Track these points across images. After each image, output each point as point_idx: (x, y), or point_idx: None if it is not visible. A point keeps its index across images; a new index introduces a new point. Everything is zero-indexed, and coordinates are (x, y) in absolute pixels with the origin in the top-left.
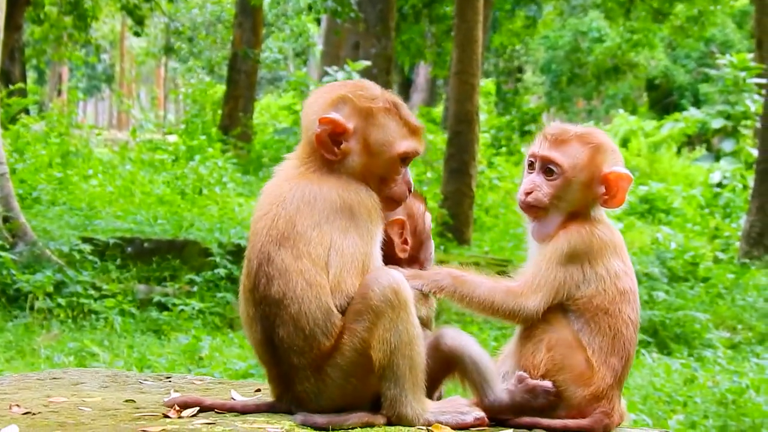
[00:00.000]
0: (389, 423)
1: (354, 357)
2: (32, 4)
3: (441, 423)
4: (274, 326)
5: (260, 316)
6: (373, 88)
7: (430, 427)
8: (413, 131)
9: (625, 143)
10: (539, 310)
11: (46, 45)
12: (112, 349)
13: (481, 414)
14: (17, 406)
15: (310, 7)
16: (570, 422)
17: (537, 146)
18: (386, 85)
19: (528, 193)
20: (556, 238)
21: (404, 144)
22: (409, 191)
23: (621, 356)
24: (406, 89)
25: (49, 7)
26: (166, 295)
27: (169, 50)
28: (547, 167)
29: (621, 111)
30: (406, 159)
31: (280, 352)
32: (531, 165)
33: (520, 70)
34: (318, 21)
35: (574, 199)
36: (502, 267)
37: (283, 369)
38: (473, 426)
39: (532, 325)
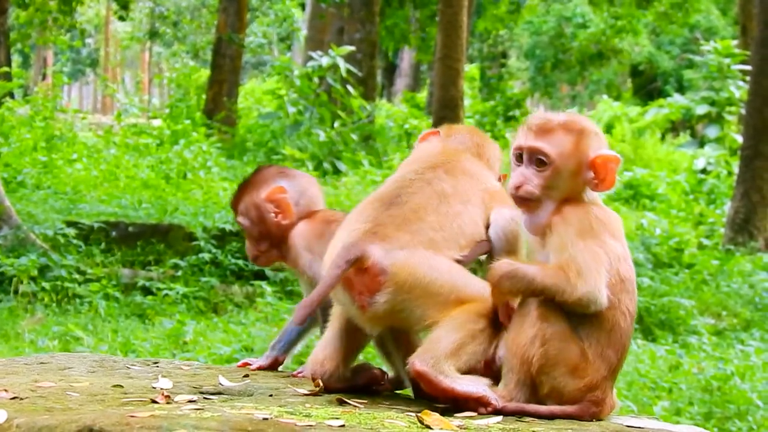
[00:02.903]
0: None
1: None
2: None
3: None
4: None
5: None
6: None
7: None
8: None
9: (609, 129)
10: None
11: (31, 29)
12: (96, 333)
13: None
14: (5, 391)
15: None
16: (556, 409)
17: (522, 138)
18: (370, 70)
19: (519, 187)
20: (555, 226)
21: None
22: None
23: (617, 348)
24: (390, 74)
25: None
26: (151, 279)
27: (153, 35)
28: (535, 158)
29: (605, 97)
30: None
31: None
32: (518, 158)
33: (504, 55)
34: (302, 6)
35: (565, 187)
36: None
37: None
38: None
39: (527, 317)
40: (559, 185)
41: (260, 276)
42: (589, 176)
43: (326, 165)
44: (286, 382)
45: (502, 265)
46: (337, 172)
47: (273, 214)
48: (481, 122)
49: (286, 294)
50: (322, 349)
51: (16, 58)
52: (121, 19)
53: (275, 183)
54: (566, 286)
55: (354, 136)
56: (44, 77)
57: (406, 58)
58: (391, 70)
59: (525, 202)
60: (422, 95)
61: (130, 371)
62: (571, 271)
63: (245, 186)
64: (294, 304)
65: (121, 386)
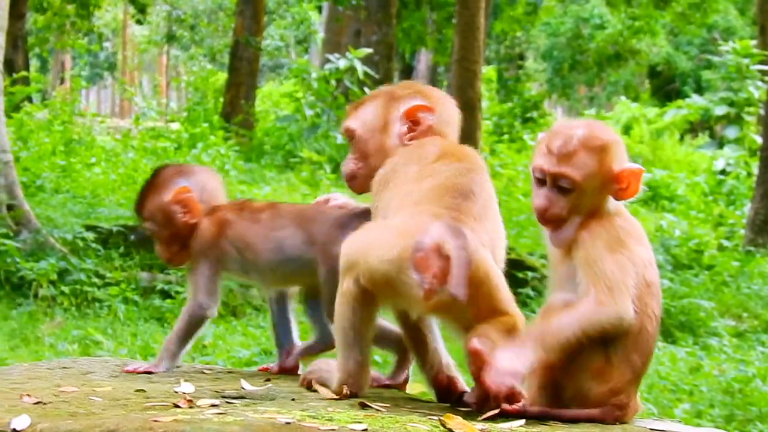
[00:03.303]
0: None
1: None
2: None
3: None
4: None
5: None
6: None
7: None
8: None
9: (627, 130)
10: (630, 307)
11: (49, 33)
12: (115, 337)
13: None
14: (28, 396)
15: None
16: (581, 413)
17: (543, 161)
18: (387, 72)
19: (545, 210)
20: (582, 241)
21: None
22: None
23: (643, 353)
24: (407, 76)
25: None
26: (169, 282)
27: (171, 38)
28: (559, 183)
29: (623, 98)
30: None
31: None
32: (541, 180)
33: (521, 56)
34: (319, 8)
35: (590, 204)
36: (506, 254)
37: None
38: None
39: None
40: (585, 203)
41: None
42: (614, 188)
43: None
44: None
45: (529, 334)
46: None
47: (181, 215)
48: (499, 124)
49: None
50: (353, 359)
51: (34, 63)
52: (139, 22)
53: (178, 183)
54: (599, 313)
55: None
56: (62, 81)
57: (423, 60)
58: (408, 72)
59: (552, 223)
60: None
61: (152, 376)
62: (600, 289)
63: (147, 190)
64: None
65: (144, 391)
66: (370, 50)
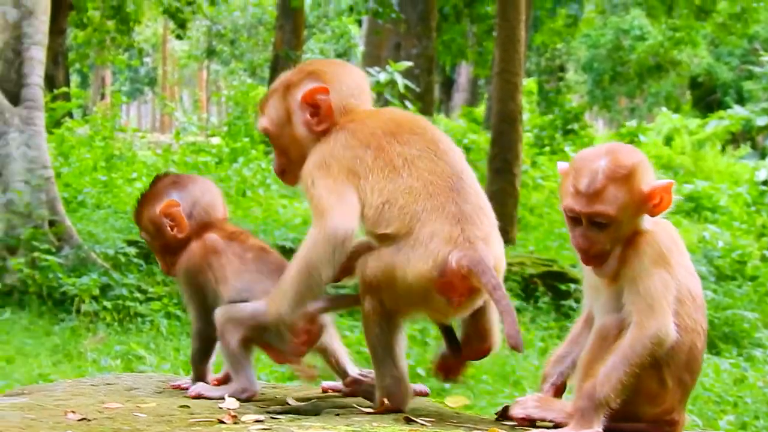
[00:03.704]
0: None
1: None
2: (75, 8)
3: None
4: None
5: None
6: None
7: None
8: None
9: (668, 141)
10: (671, 322)
11: (90, 49)
12: (158, 352)
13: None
14: (72, 412)
15: (351, 9)
16: (633, 428)
17: (573, 202)
18: (428, 85)
19: (588, 250)
20: (626, 262)
21: None
22: None
23: (693, 370)
24: (447, 89)
25: (92, 12)
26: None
27: (211, 53)
28: (594, 221)
29: (664, 109)
30: None
31: None
32: (575, 220)
33: (562, 68)
34: (359, 22)
35: (628, 229)
36: (547, 266)
37: None
38: None
39: (606, 344)
40: (624, 231)
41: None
42: (647, 207)
43: None
44: (353, 401)
45: (589, 390)
46: None
47: (169, 228)
48: (540, 136)
49: (348, 311)
50: (389, 375)
51: (74, 78)
52: (179, 37)
53: (168, 196)
54: (642, 338)
55: None
56: (103, 97)
57: (464, 72)
58: (448, 85)
59: (596, 260)
60: (480, 110)
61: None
62: (641, 309)
63: (143, 200)
64: (355, 320)
65: (188, 406)
66: (410, 63)
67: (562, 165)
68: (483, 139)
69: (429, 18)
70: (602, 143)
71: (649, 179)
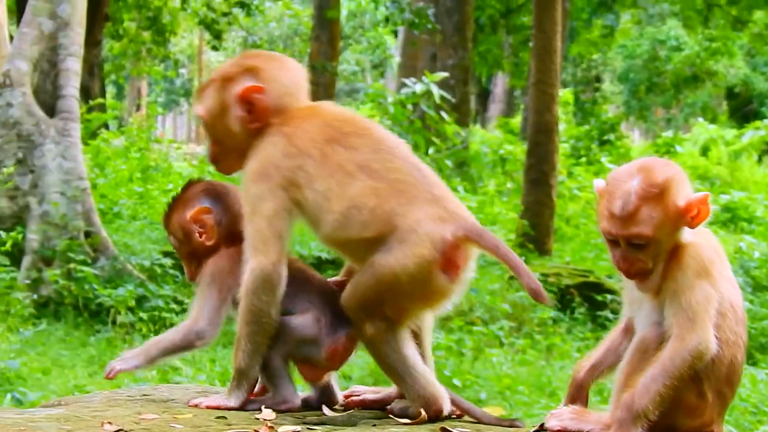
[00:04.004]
0: None
1: None
2: (111, 19)
3: None
4: None
5: None
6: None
7: None
8: None
9: (705, 152)
10: (712, 336)
11: (125, 60)
12: (194, 363)
13: None
14: (109, 423)
15: (387, 19)
16: None
17: (609, 225)
18: (464, 96)
19: (629, 269)
20: (669, 275)
21: None
22: None
23: (732, 383)
24: (483, 100)
25: (127, 23)
26: None
27: None
28: (632, 242)
29: (700, 119)
30: None
31: None
32: (614, 242)
33: (598, 79)
34: (395, 33)
35: (669, 245)
36: (583, 277)
37: None
38: None
39: (646, 356)
40: (664, 247)
41: None
42: (685, 220)
43: None
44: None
45: (623, 407)
46: None
47: (198, 235)
48: (576, 147)
49: None
50: (417, 385)
51: (110, 90)
52: (215, 48)
53: (200, 203)
54: (682, 351)
55: (449, 162)
56: (138, 108)
57: (500, 83)
58: (484, 96)
59: (639, 277)
60: (516, 120)
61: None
62: (681, 322)
63: (174, 205)
64: None
65: (225, 418)
66: (446, 74)
67: (598, 183)
68: (519, 149)
69: (465, 29)
70: (635, 160)
71: (685, 192)
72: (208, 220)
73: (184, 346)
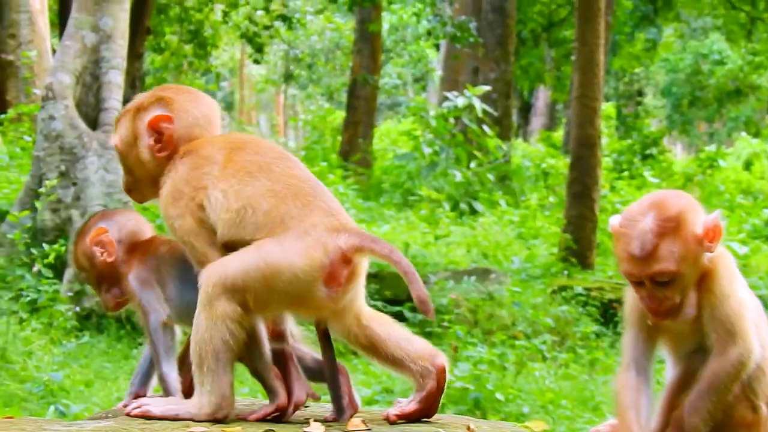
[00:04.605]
0: None
1: None
2: (153, 33)
3: None
4: None
5: None
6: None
7: None
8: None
9: (748, 166)
10: (753, 343)
11: (167, 73)
12: (238, 376)
13: None
14: None
15: (429, 33)
16: None
17: (630, 267)
18: (506, 109)
19: (658, 309)
20: (706, 303)
21: None
22: None
23: None
24: (525, 113)
25: (169, 36)
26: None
27: (288, 77)
28: (657, 280)
29: (743, 134)
30: None
31: None
32: (639, 283)
33: (640, 93)
34: (437, 46)
35: (694, 275)
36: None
37: None
38: None
39: (692, 374)
40: (690, 278)
41: (399, 317)
42: (705, 246)
43: (463, 205)
44: (438, 426)
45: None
46: (473, 212)
47: (99, 255)
48: (619, 161)
49: (425, 335)
50: (228, 382)
51: None
52: (256, 62)
53: (95, 226)
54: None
55: (490, 176)
56: None
57: (542, 97)
58: (526, 110)
59: (670, 315)
60: (558, 134)
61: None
62: (722, 338)
63: (76, 240)
64: (434, 345)
65: (273, 430)
66: (488, 88)
67: (613, 221)
68: (562, 163)
69: (507, 42)
70: (644, 196)
71: (699, 218)
72: (106, 239)
73: (166, 339)
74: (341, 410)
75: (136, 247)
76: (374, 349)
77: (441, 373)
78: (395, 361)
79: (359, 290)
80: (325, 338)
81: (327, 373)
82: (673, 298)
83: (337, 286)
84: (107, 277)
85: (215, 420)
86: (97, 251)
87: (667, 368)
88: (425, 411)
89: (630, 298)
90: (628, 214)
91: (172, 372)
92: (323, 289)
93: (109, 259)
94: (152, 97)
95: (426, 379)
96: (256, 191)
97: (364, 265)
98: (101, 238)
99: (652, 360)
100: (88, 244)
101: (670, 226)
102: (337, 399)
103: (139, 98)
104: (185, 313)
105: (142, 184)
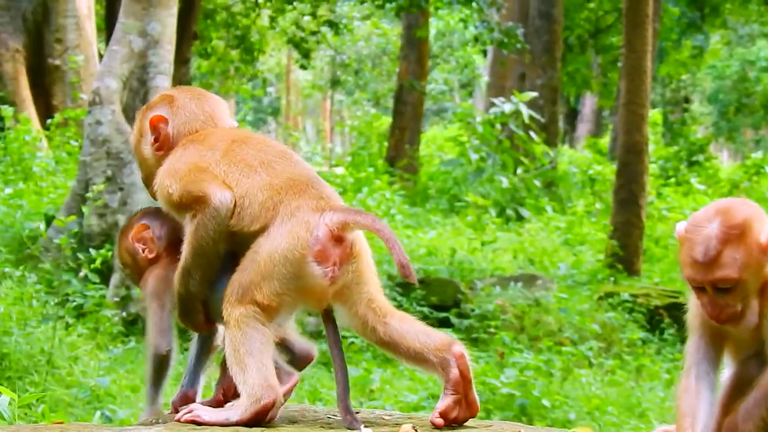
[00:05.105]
0: None
1: None
2: (200, 38)
3: None
4: None
5: None
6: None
7: None
8: None
9: None
10: None
11: (213, 78)
12: None
13: None
14: None
15: (476, 39)
16: None
17: (693, 272)
18: (552, 115)
19: (720, 315)
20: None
21: None
22: None
23: None
24: (572, 120)
25: (216, 42)
26: (344, 337)
27: (335, 83)
28: (718, 286)
29: None
30: None
31: None
32: (700, 288)
33: (687, 100)
34: (484, 52)
35: (757, 282)
36: (673, 298)
37: None
38: None
39: (747, 379)
40: (752, 286)
41: (445, 324)
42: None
43: (509, 211)
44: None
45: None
46: (520, 218)
47: (141, 251)
48: (665, 167)
49: (472, 341)
50: (269, 377)
51: None
52: (303, 67)
53: (138, 223)
54: None
55: (537, 183)
56: None
57: (588, 103)
58: (572, 116)
59: (732, 322)
60: (604, 141)
61: (331, 422)
62: None
63: (119, 237)
64: (481, 351)
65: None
66: (534, 94)
67: (680, 227)
68: (608, 170)
69: (554, 48)
70: (712, 203)
71: (765, 227)
72: (147, 235)
73: (155, 369)
74: (350, 419)
75: (176, 246)
76: (394, 344)
77: (460, 358)
78: (416, 356)
79: (367, 276)
80: (333, 334)
81: (336, 373)
82: (734, 305)
83: (331, 264)
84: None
85: (264, 411)
86: (138, 248)
87: (725, 371)
88: (458, 401)
89: (693, 303)
90: (694, 219)
91: (155, 400)
92: (316, 267)
93: (150, 256)
94: (161, 97)
95: (448, 369)
96: (255, 183)
97: (364, 248)
98: (143, 234)
99: (716, 365)
100: (130, 241)
101: (735, 234)
102: (345, 408)
103: (153, 99)
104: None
105: (150, 179)
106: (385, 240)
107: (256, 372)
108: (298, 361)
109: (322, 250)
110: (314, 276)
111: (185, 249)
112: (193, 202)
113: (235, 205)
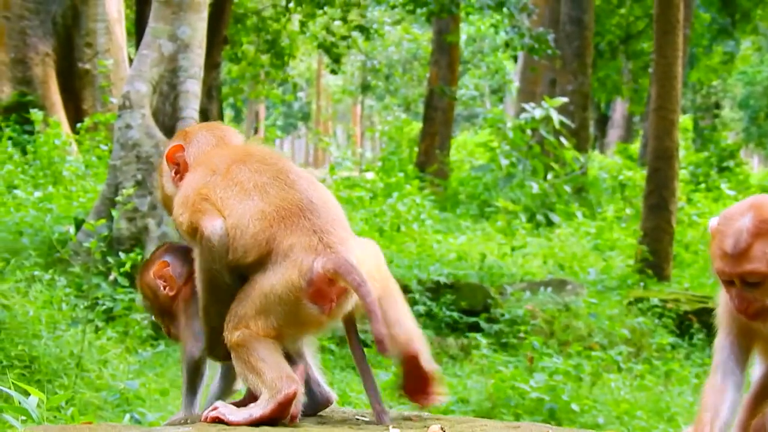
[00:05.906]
0: None
1: None
2: (230, 42)
3: None
4: None
5: None
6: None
7: None
8: None
9: None
10: None
11: (244, 83)
12: None
13: None
14: None
15: (506, 45)
16: None
17: (723, 264)
18: (583, 121)
19: (747, 309)
20: None
21: None
22: None
23: None
24: (602, 125)
25: (246, 46)
26: (365, 331)
27: (365, 88)
28: (747, 280)
29: None
30: None
31: None
32: (729, 282)
33: (717, 105)
34: (514, 58)
35: None
36: (702, 303)
37: None
38: None
39: None
40: None
41: (475, 328)
42: None
43: (539, 217)
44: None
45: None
46: (550, 224)
47: (162, 288)
48: (695, 173)
49: (501, 346)
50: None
51: (228, 113)
52: (333, 72)
53: (159, 259)
54: None
55: (567, 188)
56: (257, 131)
57: (619, 109)
58: (603, 122)
59: (759, 317)
60: (635, 146)
61: (359, 423)
62: None
63: (141, 269)
64: (510, 356)
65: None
66: (565, 99)
67: (712, 221)
68: (638, 175)
69: (585, 54)
70: (747, 198)
71: None
72: (168, 273)
73: (190, 374)
74: (381, 413)
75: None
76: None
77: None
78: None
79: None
80: (354, 340)
81: (360, 375)
82: (763, 300)
83: (328, 303)
84: (166, 309)
85: (287, 401)
86: (160, 284)
87: (755, 370)
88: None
89: (722, 299)
90: (726, 212)
91: (190, 406)
92: (313, 307)
93: (171, 293)
94: (182, 131)
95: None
96: (246, 211)
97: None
98: (164, 272)
99: (744, 362)
100: (151, 277)
101: (767, 228)
102: (376, 402)
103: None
104: None
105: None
106: (366, 309)
107: (273, 369)
108: (316, 404)
109: (317, 291)
110: (310, 314)
111: (197, 283)
112: (194, 233)
113: (228, 236)
